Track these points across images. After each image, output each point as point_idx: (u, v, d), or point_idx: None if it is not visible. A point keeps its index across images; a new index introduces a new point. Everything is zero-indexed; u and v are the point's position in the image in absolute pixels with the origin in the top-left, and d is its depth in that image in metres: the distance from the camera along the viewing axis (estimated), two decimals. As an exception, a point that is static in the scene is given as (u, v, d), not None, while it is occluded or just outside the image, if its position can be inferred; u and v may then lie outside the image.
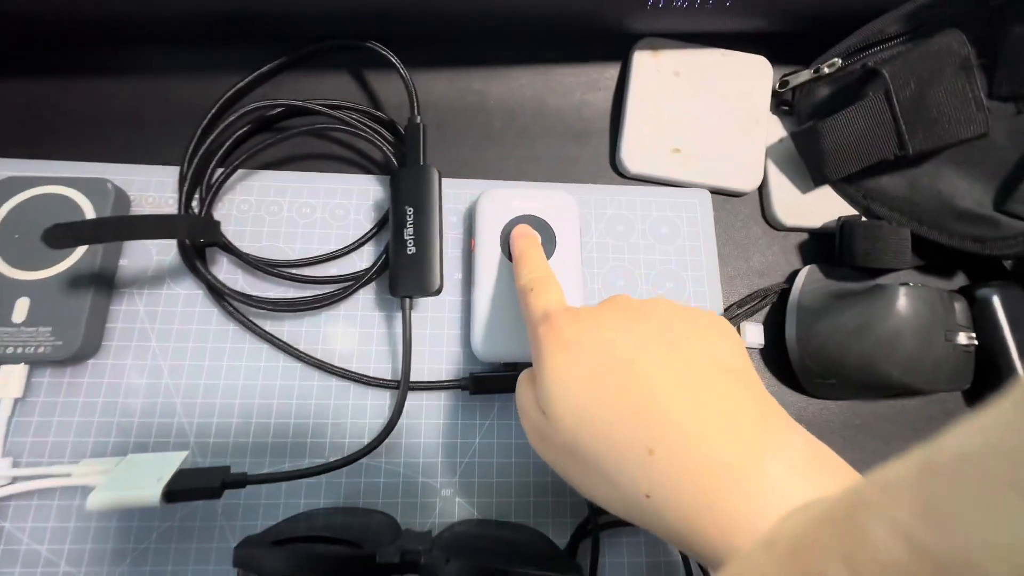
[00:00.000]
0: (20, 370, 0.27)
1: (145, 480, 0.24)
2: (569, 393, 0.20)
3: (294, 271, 0.30)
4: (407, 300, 0.28)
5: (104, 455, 0.27)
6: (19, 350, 0.27)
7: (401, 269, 0.28)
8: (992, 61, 0.32)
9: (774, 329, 0.33)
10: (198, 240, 0.28)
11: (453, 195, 0.33)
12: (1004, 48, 0.31)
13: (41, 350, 0.27)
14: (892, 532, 0.09)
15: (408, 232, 0.28)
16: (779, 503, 0.16)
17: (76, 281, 0.28)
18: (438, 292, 0.28)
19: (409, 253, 0.28)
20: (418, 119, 0.30)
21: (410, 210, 0.29)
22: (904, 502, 0.09)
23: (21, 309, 0.27)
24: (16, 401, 0.27)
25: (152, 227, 0.25)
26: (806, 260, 0.35)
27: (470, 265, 0.31)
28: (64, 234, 0.23)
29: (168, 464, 0.25)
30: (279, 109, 0.32)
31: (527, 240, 0.28)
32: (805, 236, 0.36)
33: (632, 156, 0.35)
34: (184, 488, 0.24)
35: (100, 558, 0.26)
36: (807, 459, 0.18)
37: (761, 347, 0.32)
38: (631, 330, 0.21)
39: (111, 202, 0.29)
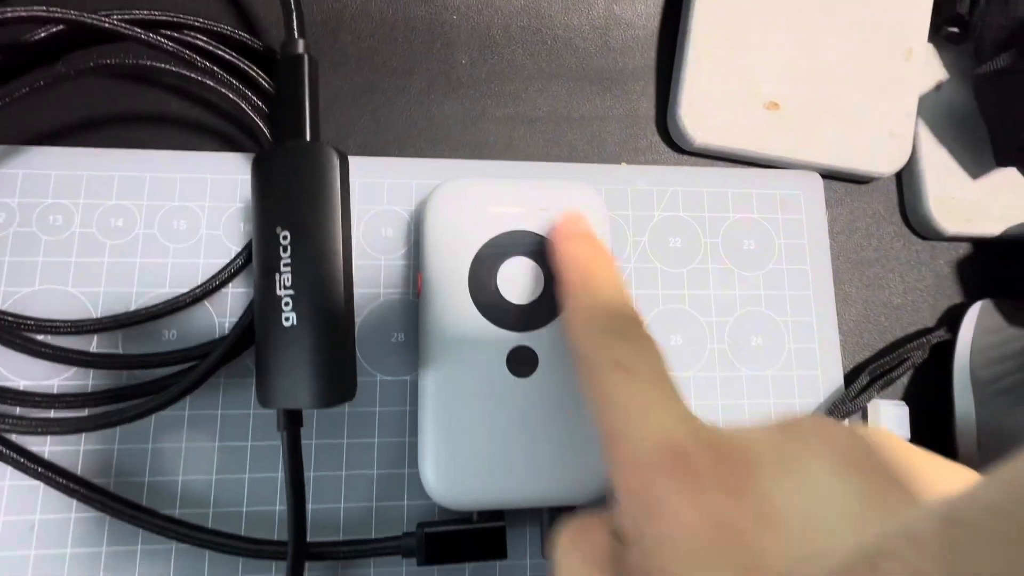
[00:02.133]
0: None
1: None
2: None
3: (90, 344, 0.16)
4: (287, 414, 0.15)
5: None
6: None
7: (273, 359, 0.14)
8: None
9: (926, 406, 0.20)
10: None
11: (381, 191, 0.19)
12: None
13: None
14: None
15: (283, 282, 0.14)
16: None
17: None
18: (348, 398, 0.15)
19: (286, 325, 0.14)
20: (300, 47, 0.16)
21: (285, 235, 0.14)
22: (927, 555, 0.08)
23: None
24: None
25: None
26: (973, 292, 0.22)
27: (417, 321, 0.18)
28: None
29: None
30: (55, 29, 0.17)
31: (584, 244, 0.16)
32: (972, 250, 0.22)
33: (697, 115, 0.20)
34: None
35: None
36: None
37: (907, 437, 0.20)
38: (857, 497, 0.12)
39: None
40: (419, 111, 0.20)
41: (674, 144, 0.21)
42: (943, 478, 0.14)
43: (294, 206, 0.14)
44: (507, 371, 0.16)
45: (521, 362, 0.17)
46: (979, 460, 0.19)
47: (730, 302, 0.20)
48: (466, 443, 0.16)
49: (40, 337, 0.16)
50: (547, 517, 0.17)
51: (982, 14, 0.21)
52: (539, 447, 0.16)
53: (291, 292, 0.14)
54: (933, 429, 0.20)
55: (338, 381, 0.14)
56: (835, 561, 0.11)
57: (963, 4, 0.21)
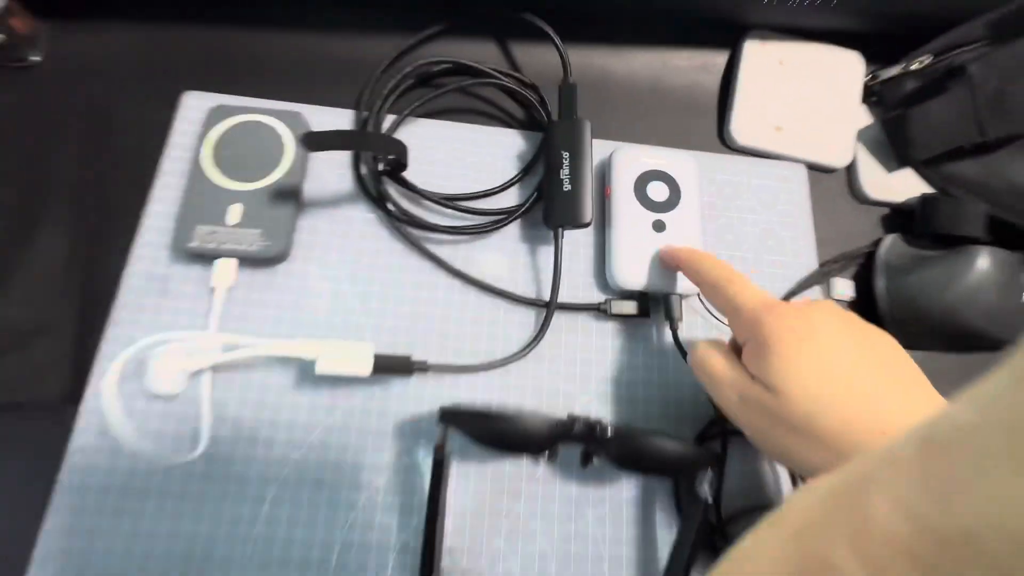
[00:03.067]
0: (234, 264, 0.31)
1: (352, 358, 0.29)
2: (804, 379, 0.23)
3: (456, 203, 0.35)
4: (559, 230, 0.33)
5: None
6: (233, 247, 0.31)
7: (557, 204, 0.33)
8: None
9: (862, 285, 0.37)
10: (396, 161, 0.32)
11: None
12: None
13: (251, 249, 0.31)
14: (894, 507, 0.10)
15: (564, 172, 0.33)
16: None
17: (280, 194, 0.33)
18: (588, 224, 0.33)
19: (565, 191, 0.33)
20: (571, 79, 0.35)
21: (566, 155, 0.33)
22: (905, 476, 0.10)
23: (235, 213, 0.32)
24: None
25: (377, 142, 0.31)
26: (888, 230, 0.40)
27: (604, 209, 0.36)
28: (317, 140, 0.28)
29: (363, 349, 0.29)
30: (444, 66, 0.37)
31: (692, 250, 0.32)
32: (887, 210, 0.40)
33: (740, 131, 0.39)
34: (385, 366, 0.29)
35: (292, 427, 0.30)
36: None
37: (852, 300, 0.37)
38: (852, 335, 0.25)
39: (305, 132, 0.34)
40: (596, 121, 0.39)
41: (727, 144, 0.40)
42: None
43: (570, 143, 0.34)
44: (652, 231, 0.34)
45: (657, 227, 0.35)
46: (887, 300, 0.36)
47: (756, 223, 0.38)
48: (630, 259, 0.34)
49: (439, 201, 0.35)
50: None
51: (886, 91, 0.40)
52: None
53: (568, 176, 0.33)
54: (865, 295, 0.37)
55: (585, 216, 0.33)
56: (822, 487, 0.12)
57: (876, 87, 0.41)
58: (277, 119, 0.34)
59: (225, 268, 0.31)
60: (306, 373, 0.30)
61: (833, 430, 0.23)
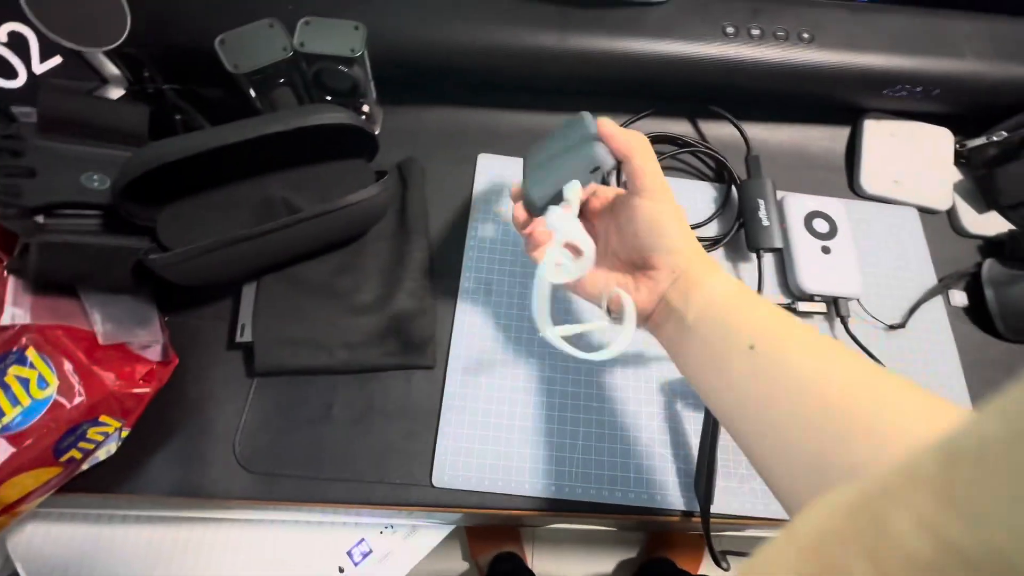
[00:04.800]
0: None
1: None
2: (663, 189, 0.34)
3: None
4: (759, 251, 0.47)
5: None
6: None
7: (756, 234, 0.47)
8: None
9: (971, 295, 0.50)
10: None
11: (759, 197, 0.52)
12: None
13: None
14: (917, 525, 0.09)
15: (762, 212, 0.47)
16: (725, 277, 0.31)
17: None
18: (780, 249, 0.47)
19: (764, 225, 0.47)
20: (756, 153, 0.50)
21: (760, 201, 0.48)
22: (928, 493, 0.09)
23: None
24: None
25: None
26: (983, 256, 0.53)
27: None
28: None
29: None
30: (658, 136, 0.52)
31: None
32: (980, 242, 0.54)
33: (869, 183, 0.54)
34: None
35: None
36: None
37: (966, 306, 0.50)
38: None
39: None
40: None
41: (857, 193, 0.54)
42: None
43: (762, 193, 0.48)
44: (821, 253, 0.48)
45: (824, 251, 0.48)
46: (995, 305, 0.48)
47: (887, 250, 0.51)
48: (808, 272, 0.47)
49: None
50: None
51: (972, 156, 0.55)
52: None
53: (766, 214, 0.47)
54: (975, 302, 0.50)
55: (776, 242, 0.47)
56: (840, 500, 0.12)
57: (965, 153, 0.55)
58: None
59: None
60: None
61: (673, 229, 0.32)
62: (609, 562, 1.06)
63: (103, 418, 0.34)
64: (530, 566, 1.01)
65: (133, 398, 0.35)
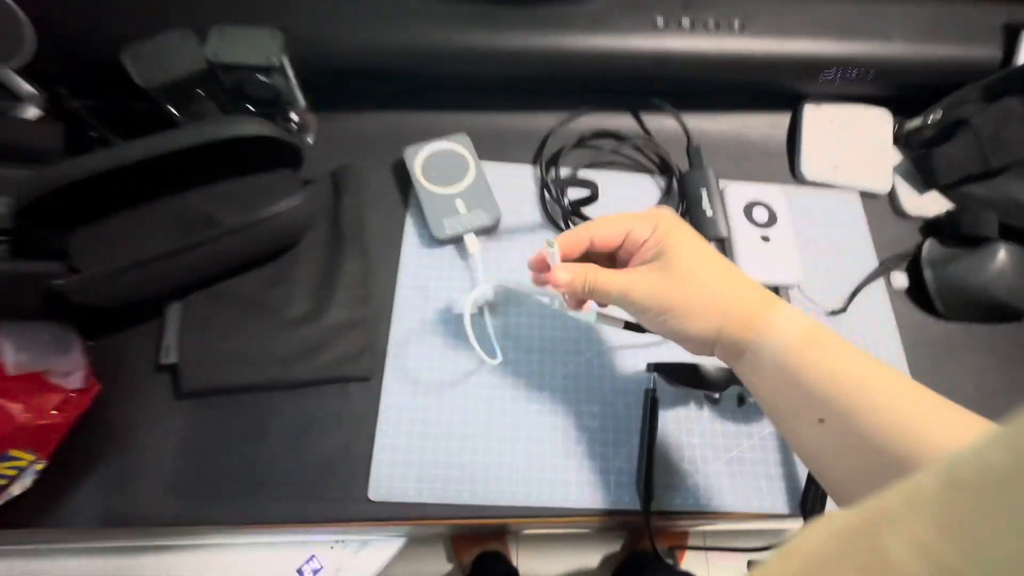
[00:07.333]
0: (474, 237, 0.45)
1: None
2: (694, 253, 0.31)
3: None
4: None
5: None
6: (468, 226, 0.45)
7: (699, 224, 0.47)
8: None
9: (912, 276, 0.51)
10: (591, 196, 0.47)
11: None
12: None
13: (480, 223, 0.45)
14: (914, 550, 0.09)
15: (705, 203, 0.47)
16: (789, 317, 0.29)
17: (477, 187, 0.47)
18: (726, 238, 0.47)
19: (708, 216, 0.47)
20: (696, 144, 0.50)
21: (703, 190, 0.47)
22: (927, 518, 0.09)
23: (461, 206, 0.46)
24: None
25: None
26: (924, 236, 0.53)
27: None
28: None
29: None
30: (598, 132, 0.52)
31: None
32: (921, 222, 0.54)
33: (809, 169, 0.54)
34: (632, 326, 0.41)
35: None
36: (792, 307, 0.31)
37: (907, 288, 0.50)
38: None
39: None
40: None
41: (798, 178, 0.54)
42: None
43: (705, 183, 0.48)
44: (761, 242, 0.48)
45: (764, 239, 0.48)
46: (935, 285, 0.49)
47: (826, 236, 0.52)
48: (749, 262, 0.47)
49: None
50: None
51: (910, 138, 0.55)
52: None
53: (710, 204, 0.47)
54: (916, 283, 0.50)
55: (722, 232, 0.47)
56: (836, 523, 0.12)
57: (902, 135, 0.55)
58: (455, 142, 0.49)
59: (473, 242, 0.45)
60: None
61: (709, 290, 0.30)
62: (594, 556, 1.06)
63: (14, 452, 0.32)
64: (515, 564, 1.01)
65: (47, 429, 0.34)
